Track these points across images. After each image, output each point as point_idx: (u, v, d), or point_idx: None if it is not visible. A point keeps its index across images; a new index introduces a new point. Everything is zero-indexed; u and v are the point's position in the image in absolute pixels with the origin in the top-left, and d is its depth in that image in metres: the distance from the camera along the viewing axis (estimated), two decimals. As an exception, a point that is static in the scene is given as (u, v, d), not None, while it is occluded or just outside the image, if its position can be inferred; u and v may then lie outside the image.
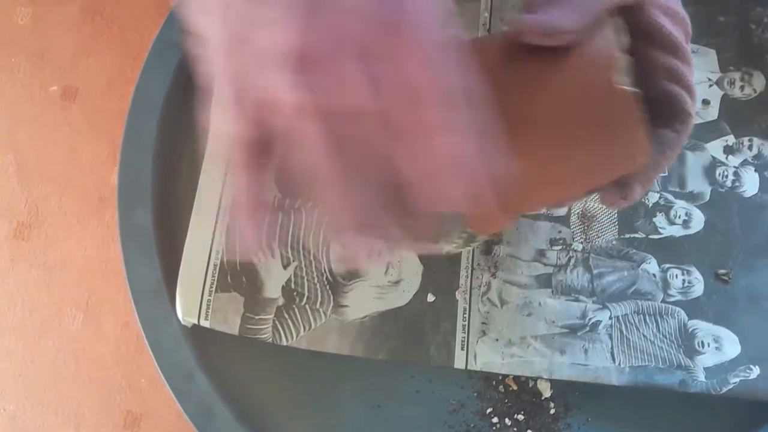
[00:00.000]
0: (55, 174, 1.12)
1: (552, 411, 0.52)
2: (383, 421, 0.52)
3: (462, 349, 0.52)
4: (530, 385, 0.53)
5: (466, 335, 0.52)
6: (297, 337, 0.52)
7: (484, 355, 0.51)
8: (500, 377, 0.53)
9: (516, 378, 0.53)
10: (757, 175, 0.57)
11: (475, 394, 0.53)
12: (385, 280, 0.53)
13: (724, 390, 0.51)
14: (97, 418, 0.99)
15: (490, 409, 0.52)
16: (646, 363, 0.51)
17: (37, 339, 1.05)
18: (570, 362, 0.51)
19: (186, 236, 0.54)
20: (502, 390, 0.53)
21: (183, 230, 0.55)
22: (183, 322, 0.52)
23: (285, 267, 0.53)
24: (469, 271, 0.53)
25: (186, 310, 0.52)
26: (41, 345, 1.05)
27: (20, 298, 1.06)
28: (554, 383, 0.53)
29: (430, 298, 0.53)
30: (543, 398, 0.52)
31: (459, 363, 0.51)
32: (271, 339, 0.52)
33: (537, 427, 0.52)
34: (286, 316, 0.52)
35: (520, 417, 0.52)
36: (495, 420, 0.52)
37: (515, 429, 0.52)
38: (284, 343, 0.52)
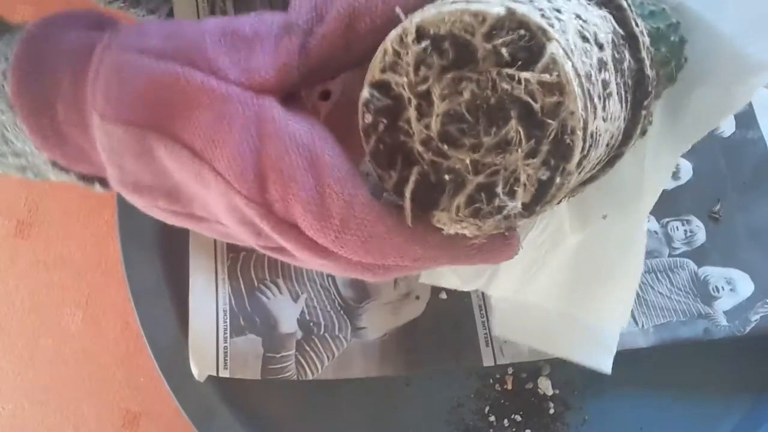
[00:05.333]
0: None
1: (551, 411, 0.52)
2: (383, 420, 0.52)
3: (487, 345, 0.52)
4: (529, 385, 0.53)
5: (487, 331, 0.52)
6: (322, 368, 0.51)
7: (510, 347, 0.51)
8: (498, 376, 0.53)
9: (514, 377, 0.53)
10: (731, 113, 0.58)
11: (473, 394, 0.53)
12: (395, 295, 0.53)
13: (748, 329, 0.51)
14: (97, 416, 0.99)
15: (488, 407, 0.52)
16: (668, 319, 0.52)
17: (37, 337, 1.04)
18: (595, 335, 0.51)
19: (185, 237, 0.54)
20: (500, 389, 0.53)
21: (182, 229, 0.54)
22: (198, 378, 0.51)
23: (295, 300, 0.53)
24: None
25: (202, 364, 0.51)
26: (41, 343, 1.04)
27: (20, 296, 1.06)
28: (555, 381, 0.53)
29: (443, 296, 0.53)
30: (541, 398, 0.52)
31: (487, 360, 0.51)
32: (296, 376, 0.51)
33: (535, 426, 0.52)
34: (308, 348, 0.52)
35: (518, 416, 0.52)
36: (492, 419, 0.52)
37: (514, 429, 0.52)
38: (310, 377, 0.51)
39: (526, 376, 0.52)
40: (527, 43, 0.24)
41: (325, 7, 0.28)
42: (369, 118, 0.28)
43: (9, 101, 0.31)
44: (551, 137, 0.24)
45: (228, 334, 0.52)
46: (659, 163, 0.37)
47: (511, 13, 0.24)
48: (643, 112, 0.30)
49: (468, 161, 0.26)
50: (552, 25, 0.24)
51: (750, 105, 0.58)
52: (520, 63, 0.24)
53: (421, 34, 0.25)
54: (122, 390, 1.01)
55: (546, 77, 0.23)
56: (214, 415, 0.52)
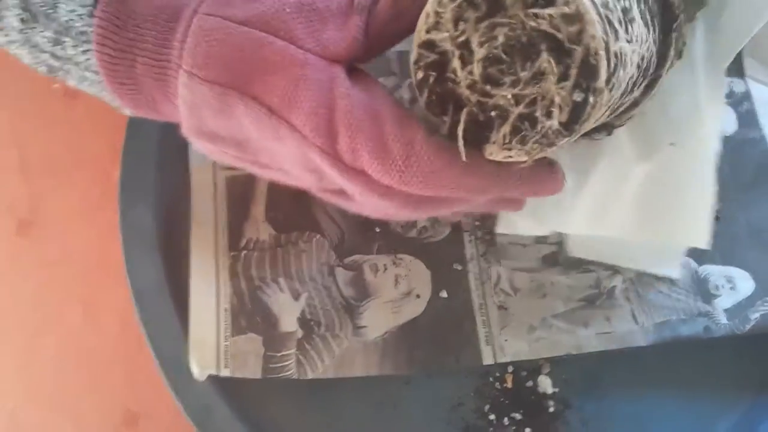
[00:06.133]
0: (57, 170, 1.12)
1: (551, 409, 0.52)
2: (382, 419, 0.52)
3: (487, 344, 0.52)
4: (529, 384, 0.53)
5: (488, 330, 0.52)
6: (323, 367, 0.51)
7: (511, 346, 0.51)
8: (498, 375, 0.53)
9: (514, 376, 0.53)
10: (733, 111, 0.58)
11: (473, 392, 0.53)
12: (396, 293, 0.53)
13: (747, 327, 0.51)
14: (96, 415, 0.99)
15: (488, 406, 0.52)
16: (668, 317, 0.52)
17: (38, 336, 1.04)
18: (595, 333, 0.51)
19: (187, 236, 0.54)
20: (500, 388, 0.53)
21: (184, 227, 0.55)
22: (198, 377, 0.51)
23: (296, 299, 0.53)
24: (478, 267, 0.54)
25: (202, 363, 0.51)
26: (41, 342, 1.04)
27: (21, 294, 1.06)
28: (555, 379, 0.53)
29: (443, 294, 0.53)
30: (541, 396, 0.52)
31: (487, 359, 0.51)
32: (296, 375, 0.51)
33: (535, 424, 0.52)
34: (308, 347, 0.52)
35: (518, 415, 0.52)
36: (492, 417, 0.52)
37: (514, 427, 0.52)
38: (310, 375, 0.51)
39: (526, 375, 0.52)
40: None
41: None
42: (420, 74, 0.32)
43: (91, 12, 0.33)
44: (578, 61, 0.27)
45: (228, 333, 0.52)
46: (710, 81, 0.39)
47: None
48: (674, 35, 0.33)
49: (510, 96, 0.29)
50: None
51: (751, 104, 0.58)
52: (543, 2, 0.28)
53: None
54: (122, 389, 1.01)
55: (565, 9, 0.27)
56: (214, 414, 0.52)
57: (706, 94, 0.39)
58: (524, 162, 0.31)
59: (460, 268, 0.54)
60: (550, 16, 0.27)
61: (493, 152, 0.31)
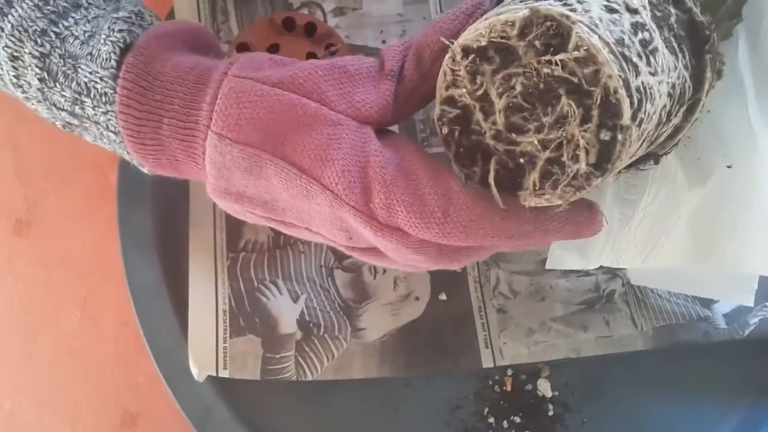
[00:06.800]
0: (55, 171, 1.12)
1: (550, 412, 0.52)
2: (382, 421, 0.52)
3: (486, 347, 0.52)
4: (528, 387, 0.53)
5: (487, 333, 0.52)
6: (322, 369, 0.51)
7: (510, 349, 0.51)
8: (497, 378, 0.53)
9: (514, 379, 0.53)
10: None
11: (473, 395, 0.53)
12: (395, 296, 0.53)
13: (746, 332, 0.51)
14: (94, 416, 0.99)
15: (487, 409, 0.52)
16: (668, 322, 0.52)
17: (35, 336, 1.05)
18: (594, 337, 0.51)
19: (185, 237, 0.54)
20: (499, 391, 0.53)
21: (183, 228, 0.54)
22: (197, 378, 0.51)
23: (295, 301, 0.53)
24: (476, 270, 0.54)
25: (201, 364, 0.51)
26: (39, 342, 1.05)
27: (18, 295, 1.06)
28: (554, 383, 0.53)
29: (443, 297, 0.53)
30: (541, 399, 0.52)
31: (487, 362, 0.51)
32: (295, 377, 0.51)
33: (534, 428, 0.52)
34: (307, 349, 0.52)
35: (518, 418, 0.52)
36: (491, 420, 0.52)
37: (513, 430, 0.52)
38: (309, 377, 0.51)
39: (525, 378, 0.53)
40: (555, 31, 0.28)
41: (408, 53, 0.35)
42: (445, 130, 0.32)
43: (113, 75, 0.33)
44: (599, 101, 0.27)
45: (227, 335, 0.52)
46: (759, 96, 0.38)
47: (535, 11, 0.28)
48: (707, 56, 0.33)
49: (536, 142, 0.29)
50: (574, 10, 0.28)
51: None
52: (553, 49, 0.28)
53: (466, 51, 0.30)
54: (120, 390, 1.01)
55: (577, 54, 0.27)
56: (213, 415, 0.52)
57: (755, 111, 0.38)
58: (560, 206, 0.31)
59: (459, 270, 0.54)
60: (563, 61, 0.27)
61: (527, 198, 0.31)
